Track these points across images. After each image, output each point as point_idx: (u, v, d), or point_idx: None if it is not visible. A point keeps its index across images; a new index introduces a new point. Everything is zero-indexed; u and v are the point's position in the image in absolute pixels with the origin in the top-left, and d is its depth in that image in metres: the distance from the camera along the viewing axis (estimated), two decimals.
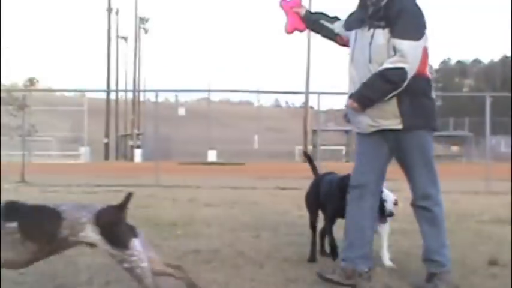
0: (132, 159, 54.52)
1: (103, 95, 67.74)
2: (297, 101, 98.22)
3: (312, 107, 56.21)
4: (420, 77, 4.74)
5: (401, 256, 6.39)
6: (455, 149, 64.16)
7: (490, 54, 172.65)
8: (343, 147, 61.66)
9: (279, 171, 24.95)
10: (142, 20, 72.73)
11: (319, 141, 24.47)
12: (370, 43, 4.72)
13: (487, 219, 9.07)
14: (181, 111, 67.11)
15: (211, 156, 51.42)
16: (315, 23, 5.36)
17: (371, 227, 5.03)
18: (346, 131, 65.24)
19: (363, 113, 4.78)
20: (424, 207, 4.96)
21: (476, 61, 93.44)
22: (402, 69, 4.58)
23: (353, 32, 4.94)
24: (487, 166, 16.92)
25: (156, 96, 23.09)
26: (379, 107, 4.72)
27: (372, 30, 4.73)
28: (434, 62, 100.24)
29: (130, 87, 68.63)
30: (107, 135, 60.59)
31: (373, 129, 4.84)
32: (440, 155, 59.83)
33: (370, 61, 4.72)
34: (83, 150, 52.58)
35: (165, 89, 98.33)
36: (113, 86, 63.04)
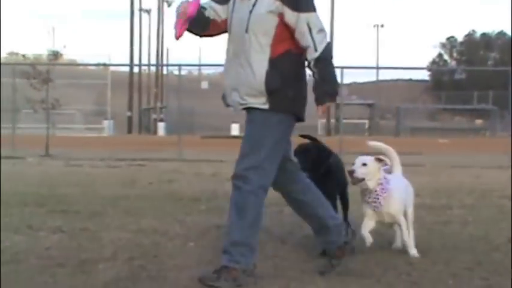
0: (155, 132, 54.67)
1: (126, 68, 67.86)
2: None
3: None
4: (294, 54, 4.43)
5: (424, 232, 6.38)
6: (479, 122, 63.71)
7: None
8: (366, 121, 61.47)
9: None
10: None
11: (342, 115, 24.32)
12: (251, 11, 4.36)
13: (509, 195, 9.02)
14: (205, 84, 67.15)
15: (234, 130, 51.40)
16: (203, 14, 4.64)
17: (321, 204, 4.81)
18: (369, 105, 65.07)
19: (235, 89, 4.45)
20: (236, 185, 4.41)
21: (501, 33, 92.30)
22: (329, 43, 4.41)
23: (231, 1, 4.55)
24: (511, 140, 16.80)
25: (179, 69, 23.16)
26: (247, 84, 4.39)
27: None
28: (459, 35, 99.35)
29: (153, 60, 68.63)
30: (130, 109, 60.71)
31: (242, 107, 4.47)
32: (464, 128, 59.51)
33: (246, 30, 4.36)
34: (106, 123, 52.78)
35: (188, 62, 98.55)
36: (136, 60, 63.08)
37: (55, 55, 21.06)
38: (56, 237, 5.87)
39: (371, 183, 5.02)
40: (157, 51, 68.97)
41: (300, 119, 4.53)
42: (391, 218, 5.19)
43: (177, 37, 4.65)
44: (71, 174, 11.80)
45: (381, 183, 5.06)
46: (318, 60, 4.33)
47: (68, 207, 7.49)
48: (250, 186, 4.37)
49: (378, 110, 65.03)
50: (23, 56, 28.21)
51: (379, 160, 5.07)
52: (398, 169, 5.51)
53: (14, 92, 19.71)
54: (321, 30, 4.35)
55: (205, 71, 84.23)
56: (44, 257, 5.06)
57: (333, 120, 52.73)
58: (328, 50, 4.35)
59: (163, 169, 13.31)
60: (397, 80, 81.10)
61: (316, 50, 4.32)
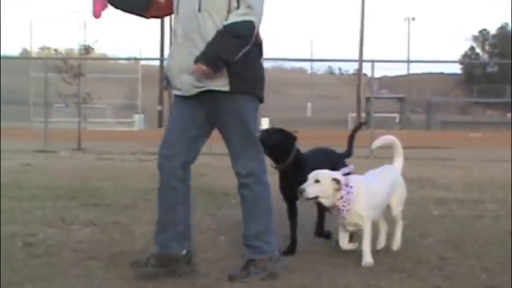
0: None
1: (157, 62, 68.13)
2: (350, 68, 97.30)
3: (365, 74, 55.73)
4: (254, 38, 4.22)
5: (456, 226, 6.34)
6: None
7: None
8: (396, 115, 61.15)
9: (331, 139, 24.76)
10: None
11: (372, 109, 24.25)
12: None
13: None
14: None
15: (264, 123, 51.33)
16: None
17: (184, 203, 4.46)
18: (400, 99, 64.72)
19: (188, 71, 4.20)
20: (245, 184, 4.37)
21: None
22: (251, 22, 4.10)
23: None
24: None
25: None
26: None
27: None
28: (491, 28, 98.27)
29: None
30: (160, 103, 60.96)
31: (197, 90, 4.24)
32: (496, 122, 58.98)
33: (199, 10, 4.15)
34: (137, 117, 53.10)
35: None
36: (166, 54, 63.25)
37: (86, 49, 21.21)
38: (88, 230, 5.93)
39: (327, 201, 4.66)
40: None
41: (261, 100, 4.40)
42: (355, 227, 4.81)
43: (95, 16, 4.43)
44: (102, 168, 11.88)
45: (341, 197, 4.64)
46: (224, 28, 4.10)
47: (99, 200, 7.55)
48: (255, 178, 4.36)
49: (408, 104, 64.67)
50: (55, 50, 28.49)
51: (337, 182, 4.61)
52: (398, 162, 5.30)
53: (46, 87, 19.87)
54: (249, 7, 4.11)
55: None
56: (77, 250, 5.11)
57: (363, 114, 52.51)
58: (241, 26, 4.10)
59: (194, 163, 13.32)
60: (428, 74, 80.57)
61: (227, 19, 4.10)
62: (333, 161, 5.25)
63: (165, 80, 4.46)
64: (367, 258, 4.69)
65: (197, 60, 4.10)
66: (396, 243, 5.16)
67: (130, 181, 9.66)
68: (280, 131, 5.13)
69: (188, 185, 4.55)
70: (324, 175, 4.61)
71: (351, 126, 58.92)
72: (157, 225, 4.47)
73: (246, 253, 4.42)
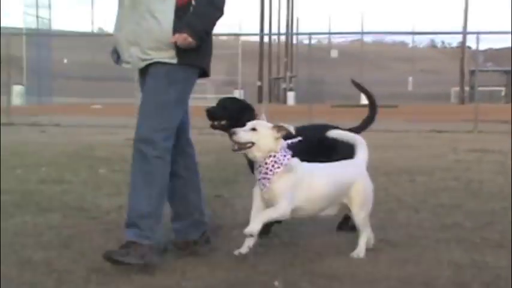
0: (285, 101, 55.03)
1: (257, 38, 68.46)
2: (454, 41, 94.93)
3: (469, 47, 54.30)
4: None
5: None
6: None
7: None
8: (502, 88, 59.41)
9: (433, 114, 24.38)
10: None
11: (477, 83, 23.61)
12: None
13: None
14: (334, 53, 66.77)
15: (364, 98, 51.05)
16: None
17: (195, 190, 4.35)
18: (506, 72, 62.81)
19: (135, 43, 3.98)
20: (143, 152, 3.90)
21: None
22: None
23: None
24: None
25: (309, 38, 23.13)
26: (152, 37, 3.92)
27: None
28: None
29: (283, 29, 68.79)
30: (260, 78, 61.32)
31: (144, 63, 4.00)
32: None
33: None
34: (237, 93, 53.53)
35: (318, 30, 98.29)
36: (266, 29, 63.41)
37: None
38: None
39: (258, 154, 4.01)
40: (288, 20, 69.07)
41: (205, 73, 4.23)
42: (272, 199, 4.04)
43: None
44: (204, 142, 12.03)
45: (274, 156, 4.01)
46: (202, 1, 3.91)
47: (202, 174, 7.63)
48: (158, 150, 3.92)
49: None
50: None
51: (279, 128, 4.02)
52: (362, 155, 4.60)
53: None
54: None
55: (335, 39, 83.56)
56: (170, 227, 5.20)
57: (467, 88, 51.26)
58: None
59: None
60: None
61: None
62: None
63: (114, 55, 4.20)
64: (254, 224, 4.04)
65: (181, 29, 3.86)
66: (358, 251, 4.24)
67: (232, 155, 9.74)
68: (237, 101, 4.85)
69: (193, 173, 4.42)
70: (262, 123, 4.08)
71: (453, 100, 57.69)
72: (172, 213, 4.33)
73: (129, 233, 3.94)
